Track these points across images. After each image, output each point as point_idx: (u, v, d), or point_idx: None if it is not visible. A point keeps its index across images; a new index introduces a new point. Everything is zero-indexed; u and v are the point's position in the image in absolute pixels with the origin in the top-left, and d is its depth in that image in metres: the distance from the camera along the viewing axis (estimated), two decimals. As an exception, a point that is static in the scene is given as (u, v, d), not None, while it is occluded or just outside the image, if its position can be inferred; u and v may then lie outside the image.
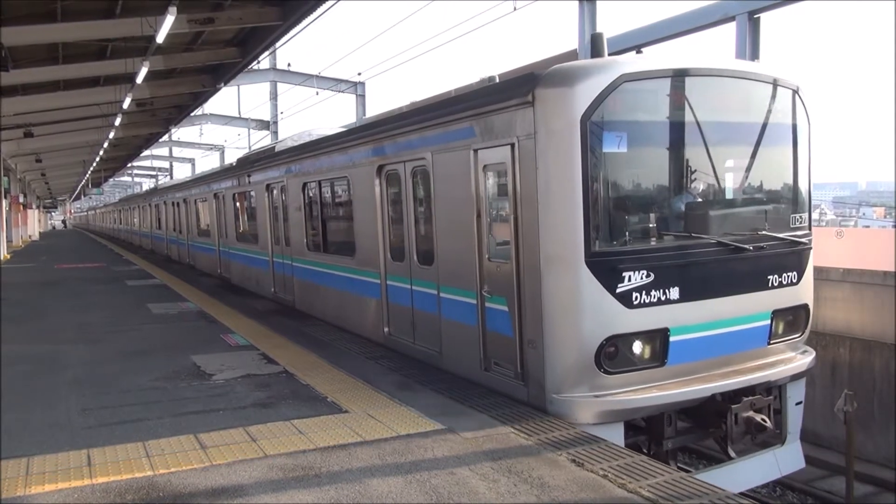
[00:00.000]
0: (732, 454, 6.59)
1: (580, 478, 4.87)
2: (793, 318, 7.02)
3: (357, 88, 29.08)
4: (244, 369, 8.11)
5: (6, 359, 8.85)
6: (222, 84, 23.08)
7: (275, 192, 13.56)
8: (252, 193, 15.27)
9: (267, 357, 8.74)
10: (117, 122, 26.35)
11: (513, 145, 6.37)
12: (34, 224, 56.34)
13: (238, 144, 41.69)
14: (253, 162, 15.27)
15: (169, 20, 13.76)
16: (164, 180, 52.27)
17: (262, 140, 36.56)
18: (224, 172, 18.92)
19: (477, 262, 7.00)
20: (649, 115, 6.44)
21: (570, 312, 6.04)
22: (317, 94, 29.33)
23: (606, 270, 5.94)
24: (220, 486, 4.81)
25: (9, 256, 28.24)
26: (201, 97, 26.31)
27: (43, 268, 24.18)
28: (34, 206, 57.45)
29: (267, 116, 36.14)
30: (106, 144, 34.31)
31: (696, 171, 6.57)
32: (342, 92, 29.11)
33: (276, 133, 35.18)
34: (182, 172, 54.03)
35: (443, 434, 5.76)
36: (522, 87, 6.30)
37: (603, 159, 6.05)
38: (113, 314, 12.73)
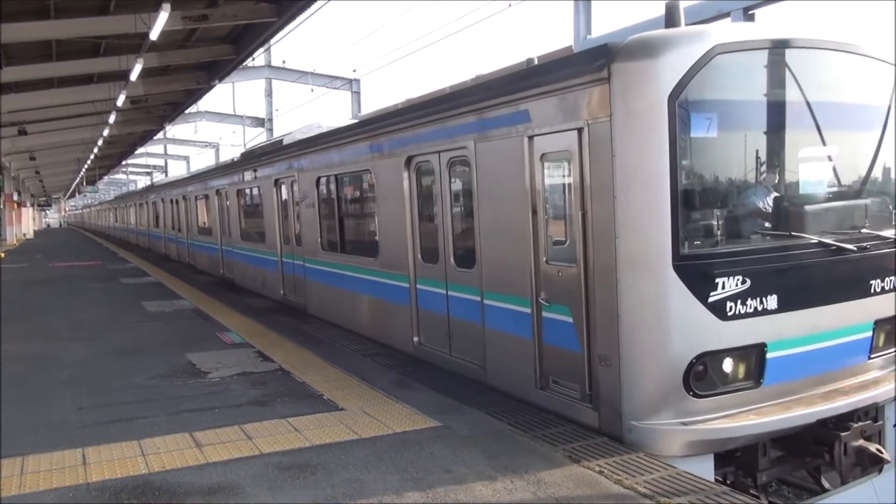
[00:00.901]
0: (827, 485, 5.91)
1: (576, 474, 4.87)
2: (893, 328, 6.14)
3: (352, 85, 29.05)
4: (239, 367, 8.10)
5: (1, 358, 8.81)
6: (217, 81, 23.03)
7: (284, 187, 12.74)
8: (258, 189, 14.39)
9: (262, 355, 8.72)
10: (111, 119, 26.28)
11: (580, 130, 5.54)
12: (28, 222, 56.12)
13: (233, 142, 41.61)
14: (259, 156, 14.44)
15: (163, 17, 13.73)
16: (161, 177, 51.53)
17: (256, 137, 36.50)
18: (227, 167, 17.89)
19: (531, 266, 6.18)
20: (745, 93, 5.60)
21: (655, 325, 5.25)
22: (311, 90, 29.30)
23: (697, 276, 5.15)
24: (215, 484, 4.80)
25: (2, 255, 28.13)
26: (196, 94, 26.25)
27: (37, 266, 24.10)
28: (28, 205, 57.24)
29: (262, 113, 36.08)
30: (100, 142, 34.21)
31: (794, 159, 5.81)
32: (337, 89, 29.07)
33: (271, 130, 35.12)
34: (177, 170, 53.91)
35: (439, 431, 5.75)
36: (594, 60, 5.43)
37: (693, 145, 5.27)
38: (108, 312, 12.69)
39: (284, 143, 13.05)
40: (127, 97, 22.10)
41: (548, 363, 6.19)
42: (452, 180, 7.52)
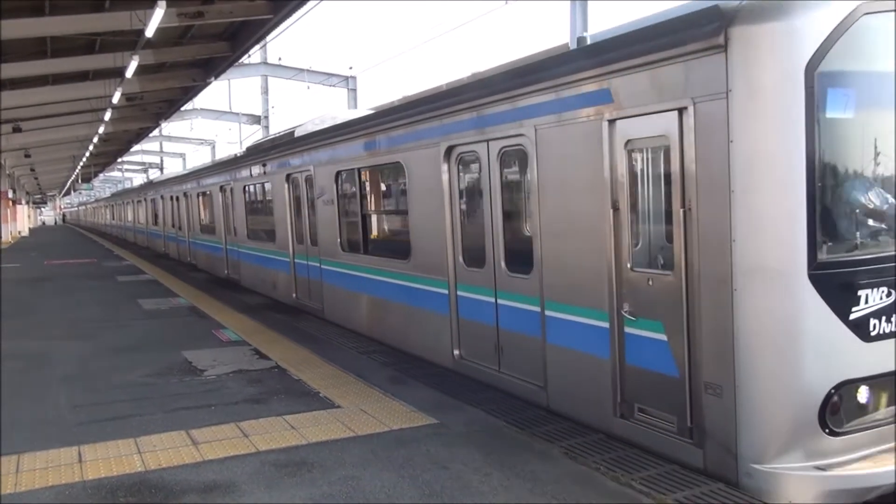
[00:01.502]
0: None
1: (572, 471, 4.88)
2: None
3: (348, 83, 29.02)
4: (236, 365, 8.09)
5: (-4, 355, 8.80)
6: (213, 78, 22.99)
7: (297, 182, 11.90)
8: (268, 185, 13.58)
9: (259, 352, 8.72)
10: (107, 116, 26.23)
11: (682, 111, 4.67)
12: (24, 220, 55.99)
13: (229, 139, 41.54)
14: (268, 150, 13.51)
15: (158, 14, 13.69)
16: (157, 174, 50.93)
17: (252, 134, 36.43)
18: (232, 162, 16.80)
19: (611, 272, 5.29)
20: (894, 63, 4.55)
21: (784, 347, 4.38)
22: (308, 88, 29.26)
23: (837, 287, 4.35)
24: (212, 481, 4.80)
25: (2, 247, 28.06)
26: (192, 91, 26.20)
27: (33, 264, 24.03)
28: (23, 202, 57.09)
29: (258, 111, 36.02)
30: (96, 139, 34.15)
31: None
32: (333, 86, 29.04)
33: (266, 127, 35.06)
34: (173, 167, 53.78)
35: (436, 429, 5.76)
36: (704, 25, 4.51)
37: (832, 127, 4.40)
38: (103, 310, 12.67)
39: (297, 135, 12.21)
40: (122, 94, 22.05)
41: (632, 388, 5.29)
42: (504, 172, 6.70)
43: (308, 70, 29.26)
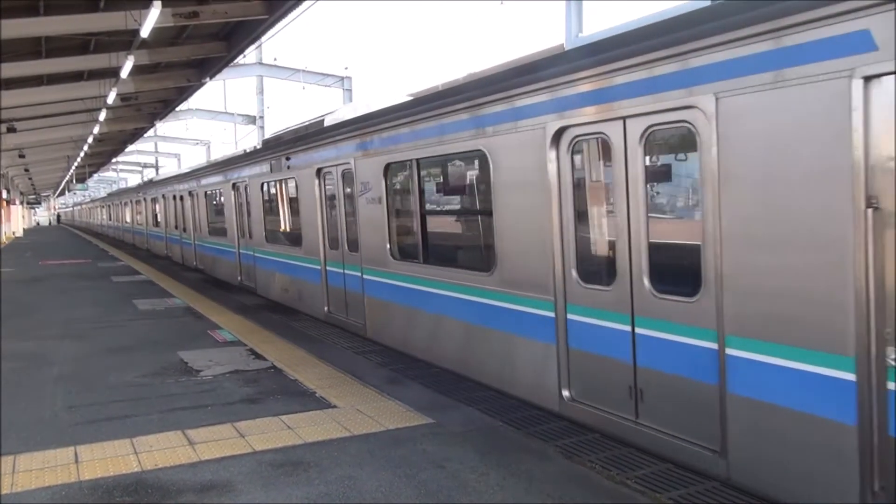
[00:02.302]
0: None
1: (568, 471, 4.89)
2: None
3: (344, 83, 29.03)
4: (232, 365, 8.09)
5: (-9, 356, 8.78)
6: (208, 78, 22.95)
7: (330, 178, 10.53)
8: (292, 182, 12.17)
9: (255, 352, 8.71)
10: (102, 116, 26.17)
11: None
12: (18, 220, 55.79)
13: (224, 139, 41.48)
14: (292, 141, 12.00)
15: (153, 14, 13.67)
16: (151, 173, 50.30)
17: (248, 135, 36.38)
18: (247, 157, 15.09)
19: (860, 300, 3.72)
20: None
21: None
22: (303, 88, 29.26)
23: None
24: (208, 481, 4.80)
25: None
26: (187, 91, 26.14)
27: (27, 264, 23.96)
28: (18, 203, 56.90)
29: (253, 111, 35.98)
30: (90, 139, 34.06)
31: None
32: (329, 86, 29.04)
33: (262, 128, 35.03)
34: (169, 167, 53.65)
35: (432, 428, 5.77)
36: None
37: None
38: (99, 311, 12.64)
39: (327, 124, 10.82)
40: (117, 94, 22.00)
41: (887, 464, 3.76)
42: (653, 159, 5.26)
43: (303, 70, 29.27)
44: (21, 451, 5.46)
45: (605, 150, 5.51)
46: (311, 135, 11.22)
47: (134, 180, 63.40)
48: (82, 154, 41.72)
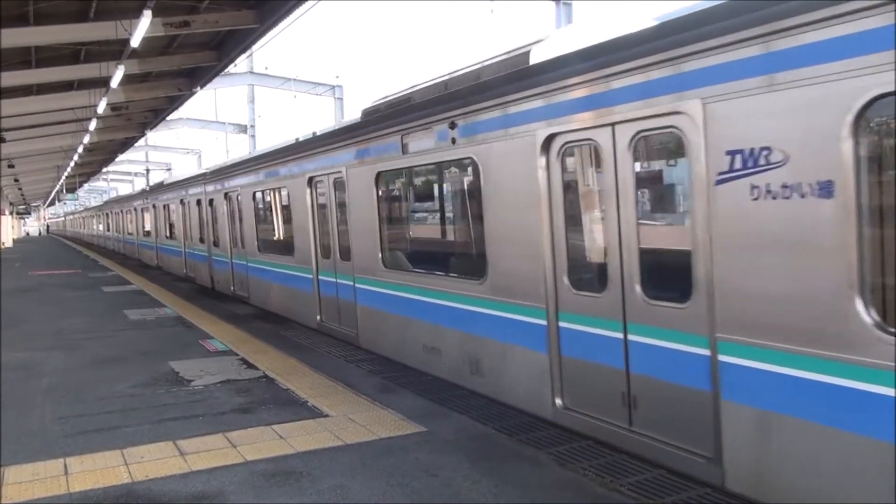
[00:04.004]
0: None
1: (561, 477, 4.89)
2: None
3: (335, 91, 29.08)
4: (223, 375, 8.05)
5: (-20, 367, 8.71)
6: (199, 88, 22.93)
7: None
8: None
9: (246, 362, 8.68)
10: (92, 126, 26.09)
11: None
12: (7, 231, 55.47)
13: (215, 148, 41.42)
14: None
15: (144, 23, 13.66)
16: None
17: (239, 144, 36.32)
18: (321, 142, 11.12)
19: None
20: None
21: None
22: (294, 97, 29.28)
23: None
24: (200, 492, 4.77)
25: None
26: (178, 101, 26.10)
27: (17, 275, 23.81)
28: (7, 213, 56.60)
29: (244, 120, 35.96)
30: (80, 149, 33.92)
31: None
32: (320, 95, 29.08)
33: (253, 136, 35.01)
34: (158, 177, 53.46)
35: (425, 437, 5.75)
36: None
37: None
38: (89, 321, 12.57)
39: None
40: (108, 104, 21.93)
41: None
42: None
43: (294, 79, 29.30)
44: (10, 462, 5.41)
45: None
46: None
47: (124, 189, 63.11)
48: (72, 164, 41.56)
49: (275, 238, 13.40)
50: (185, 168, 48.30)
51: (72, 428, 6.29)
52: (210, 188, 17.41)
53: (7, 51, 16.39)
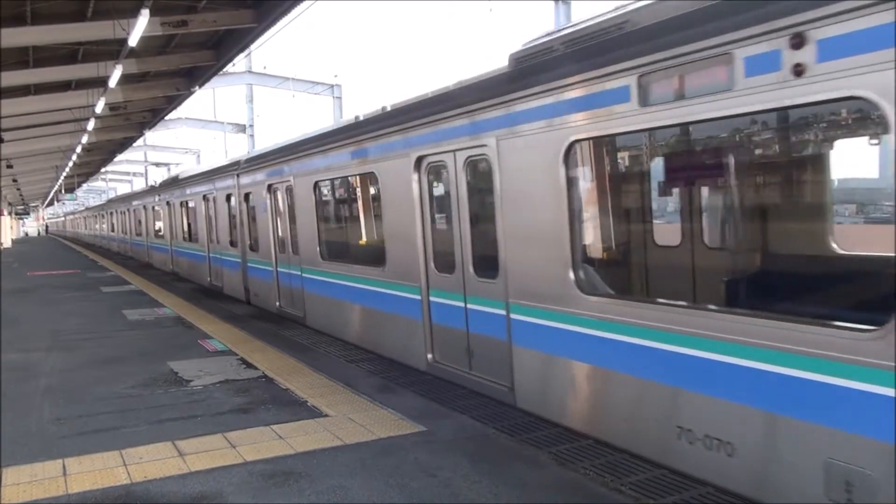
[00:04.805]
0: None
1: (561, 477, 4.87)
2: None
3: (333, 90, 29.05)
4: (222, 375, 8.03)
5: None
6: (197, 87, 22.91)
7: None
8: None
9: (245, 362, 8.66)
10: (90, 126, 26.05)
11: None
12: (6, 231, 55.40)
13: (214, 147, 41.39)
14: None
15: (141, 22, 13.63)
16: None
17: (238, 144, 36.28)
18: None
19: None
20: None
21: None
22: (293, 96, 29.26)
23: None
24: (198, 493, 4.76)
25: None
26: (176, 101, 26.07)
27: (15, 275, 23.78)
28: (6, 213, 56.54)
29: (243, 120, 35.93)
30: (79, 149, 33.87)
31: None
32: (318, 94, 29.06)
33: (252, 136, 34.97)
34: (157, 177, 53.42)
35: (424, 436, 5.74)
36: None
37: None
38: (88, 321, 12.54)
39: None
40: (106, 104, 21.90)
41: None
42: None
43: (293, 78, 29.27)
44: (8, 464, 5.39)
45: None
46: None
47: (123, 189, 63.00)
48: (71, 164, 41.50)
49: (352, 242, 10.73)
50: (184, 168, 48.29)
51: (70, 429, 6.27)
52: (246, 180, 14.35)
53: (4, 51, 16.35)
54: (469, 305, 7.20)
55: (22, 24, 14.91)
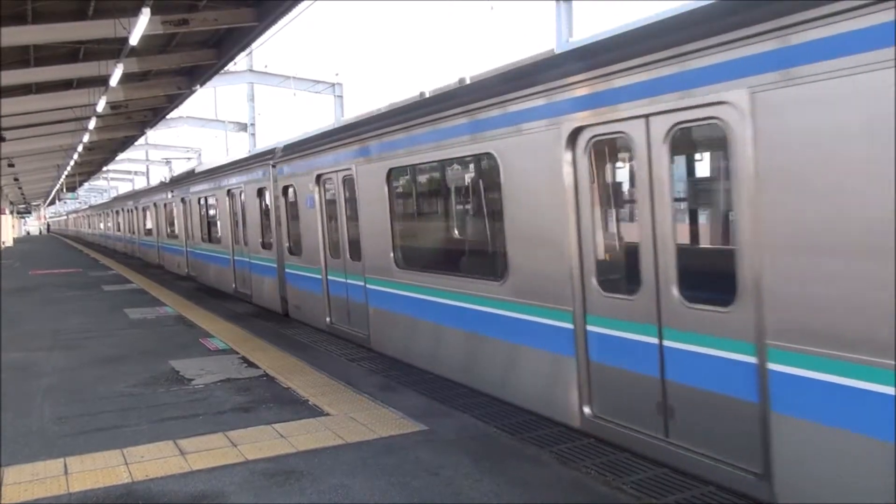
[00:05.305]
0: None
1: (563, 476, 4.86)
2: None
3: (335, 89, 29.03)
4: (224, 374, 8.03)
5: (-21, 367, 8.69)
6: (198, 86, 22.88)
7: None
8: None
9: (247, 361, 8.66)
10: (91, 125, 26.04)
11: None
12: (8, 230, 55.45)
13: (215, 146, 41.36)
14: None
15: (143, 21, 13.62)
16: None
17: (239, 142, 36.26)
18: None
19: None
20: None
21: None
22: (294, 95, 29.24)
23: None
24: (200, 492, 4.75)
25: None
26: (177, 99, 26.04)
27: (17, 274, 23.80)
28: (7, 212, 56.59)
29: (244, 118, 35.91)
30: (80, 148, 33.86)
31: None
32: (320, 93, 29.04)
33: (253, 135, 34.96)
34: (159, 176, 53.41)
35: (426, 436, 5.73)
36: None
37: None
38: (89, 320, 12.55)
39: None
40: (107, 103, 21.89)
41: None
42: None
43: (294, 77, 29.25)
44: (10, 463, 5.39)
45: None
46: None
47: (125, 188, 62.98)
48: (72, 163, 41.50)
49: (446, 246, 8.83)
50: (183, 168, 48.26)
51: (71, 428, 6.27)
52: (285, 170, 12.19)
53: (5, 50, 16.35)
54: (666, 342, 4.91)
55: (23, 23, 14.89)
